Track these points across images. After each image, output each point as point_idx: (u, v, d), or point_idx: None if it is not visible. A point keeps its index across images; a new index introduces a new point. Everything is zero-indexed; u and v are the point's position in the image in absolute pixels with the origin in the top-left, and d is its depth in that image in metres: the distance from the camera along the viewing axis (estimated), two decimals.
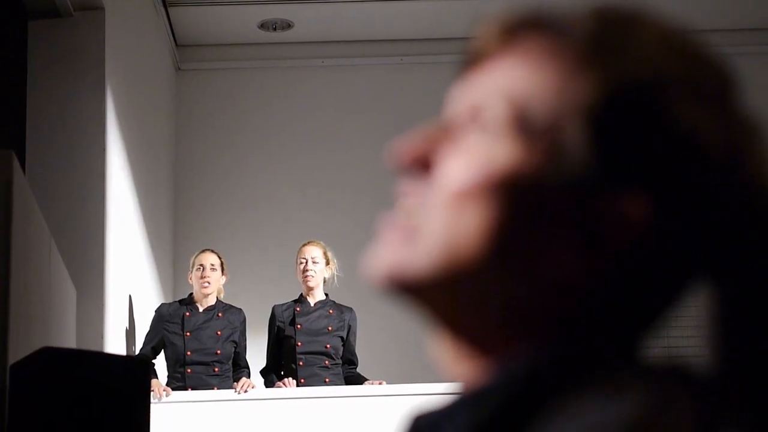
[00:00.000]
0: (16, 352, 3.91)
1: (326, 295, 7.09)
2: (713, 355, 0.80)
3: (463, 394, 0.80)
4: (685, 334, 0.87)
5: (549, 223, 0.80)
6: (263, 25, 9.03)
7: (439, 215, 0.82)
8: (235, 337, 6.98)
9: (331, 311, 7.01)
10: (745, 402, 0.76)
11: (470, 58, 0.87)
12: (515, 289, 0.80)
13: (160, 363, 7.05)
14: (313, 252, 7.02)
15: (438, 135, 0.85)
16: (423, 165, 0.84)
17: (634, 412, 0.72)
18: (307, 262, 7.01)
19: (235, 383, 6.76)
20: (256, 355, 7.19)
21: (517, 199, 0.80)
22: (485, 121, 0.83)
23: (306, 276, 6.99)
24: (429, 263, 0.82)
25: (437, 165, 0.84)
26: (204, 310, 7.01)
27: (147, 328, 7.07)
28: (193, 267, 7.09)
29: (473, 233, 0.81)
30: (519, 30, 0.85)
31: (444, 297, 0.82)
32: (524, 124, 0.81)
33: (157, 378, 6.74)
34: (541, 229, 0.80)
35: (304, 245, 7.08)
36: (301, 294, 7.08)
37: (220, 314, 7.01)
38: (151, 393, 5.18)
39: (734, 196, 0.81)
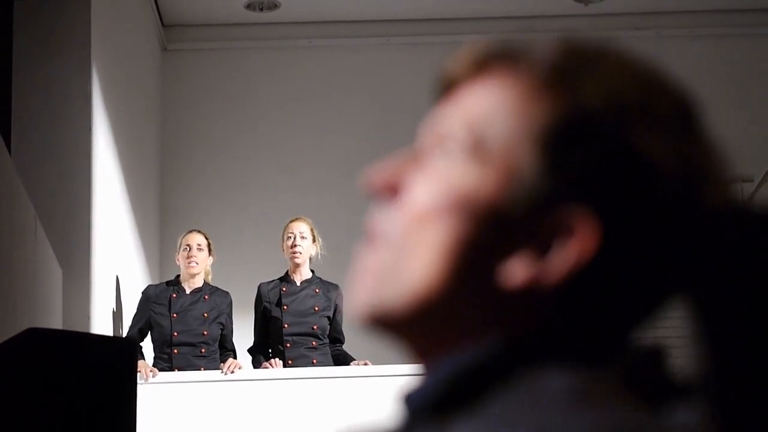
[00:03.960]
0: (2, 333, 3.90)
1: (312, 272, 7.08)
2: (694, 358, 0.83)
3: (426, 373, 0.86)
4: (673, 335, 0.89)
5: (505, 238, 0.85)
6: (250, 5, 9.00)
7: (404, 239, 0.87)
8: (222, 320, 6.98)
9: (317, 290, 7.00)
10: (708, 400, 0.81)
11: (442, 88, 0.91)
12: (474, 299, 0.85)
13: (147, 344, 7.05)
14: (301, 227, 7.00)
15: (407, 162, 0.89)
16: (393, 192, 0.89)
17: (584, 382, 0.78)
18: (294, 237, 6.98)
19: (222, 364, 6.77)
20: (244, 335, 7.19)
21: (474, 218, 0.85)
22: (447, 146, 0.88)
23: (294, 251, 6.97)
24: (401, 297, 0.86)
25: (403, 191, 0.88)
26: (191, 292, 7.00)
27: (134, 309, 7.06)
28: (179, 247, 7.08)
29: (433, 251, 0.85)
30: (488, 61, 0.89)
31: (416, 324, 0.87)
32: (482, 147, 0.86)
33: (143, 359, 6.74)
34: (497, 244, 0.85)
35: (292, 221, 7.06)
36: (287, 272, 7.07)
37: (206, 296, 7.01)
38: (138, 374, 5.19)
39: (691, 220, 0.85)
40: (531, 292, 0.84)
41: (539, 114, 0.85)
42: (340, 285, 7.03)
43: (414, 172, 0.88)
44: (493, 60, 0.89)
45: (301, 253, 6.97)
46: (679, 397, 0.80)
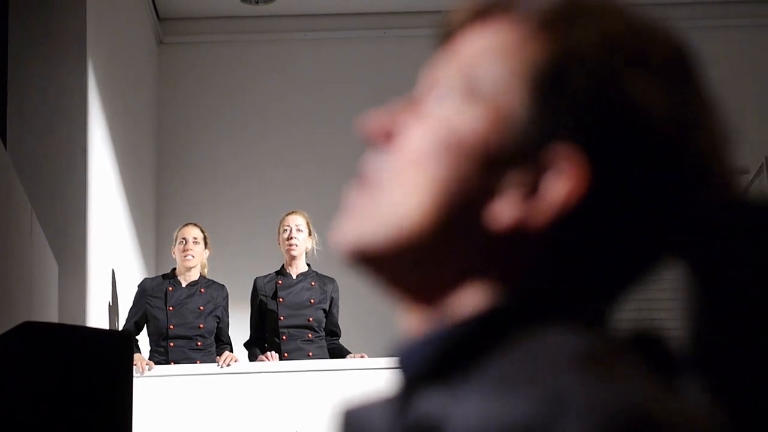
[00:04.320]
0: None
1: (308, 265, 7.08)
2: (686, 325, 0.83)
3: (423, 335, 0.85)
4: (663, 298, 0.89)
5: (493, 178, 0.85)
6: None
7: (395, 181, 0.87)
8: (218, 313, 6.99)
9: (313, 283, 7.00)
10: (704, 369, 0.80)
11: (441, 39, 0.92)
12: (462, 240, 0.85)
13: (143, 337, 7.05)
14: (297, 220, 7.00)
15: (403, 109, 0.90)
16: (388, 138, 0.89)
17: (589, 343, 0.78)
18: (291, 230, 6.97)
19: (218, 357, 6.77)
20: (240, 329, 7.19)
21: (464, 158, 0.85)
22: (440, 90, 0.88)
23: (290, 245, 6.97)
24: (386, 233, 0.86)
25: (398, 136, 0.89)
26: (187, 285, 7.01)
27: (130, 303, 7.06)
28: (176, 241, 7.09)
29: (422, 192, 0.85)
30: (486, 9, 0.89)
31: (402, 263, 0.86)
32: (473, 88, 0.87)
33: (139, 352, 6.74)
34: (486, 184, 0.85)
35: (288, 214, 7.06)
36: (283, 265, 7.07)
37: (202, 290, 7.01)
38: (134, 367, 5.19)
39: (683, 168, 0.84)
40: (519, 233, 0.84)
41: (531, 55, 0.85)
42: (335, 279, 7.04)
43: (409, 118, 0.89)
44: (491, 8, 0.89)
45: (297, 245, 6.96)
46: (679, 367, 0.80)
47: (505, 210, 0.84)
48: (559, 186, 0.83)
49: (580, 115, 0.83)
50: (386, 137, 0.89)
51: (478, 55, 0.87)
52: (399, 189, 0.86)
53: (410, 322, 0.88)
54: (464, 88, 0.87)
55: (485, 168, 0.85)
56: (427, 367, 0.83)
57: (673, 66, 0.86)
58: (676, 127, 0.84)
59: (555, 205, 0.83)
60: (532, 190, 0.84)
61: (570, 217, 0.83)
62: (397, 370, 0.86)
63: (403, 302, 0.88)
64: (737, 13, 9.21)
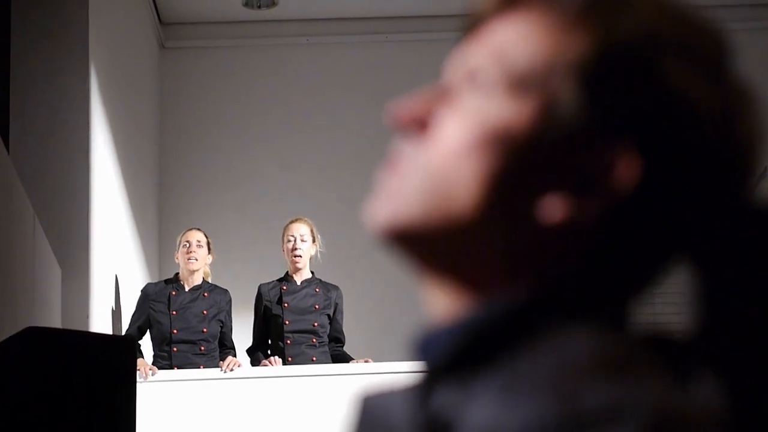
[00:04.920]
0: (1, 332, 3.89)
1: (312, 273, 7.08)
2: (695, 325, 0.83)
3: (447, 323, 0.84)
4: (672, 300, 0.88)
5: (542, 173, 0.83)
6: (248, 3, 8.99)
7: (433, 170, 0.85)
8: (221, 317, 6.98)
9: (317, 289, 7.00)
10: (715, 368, 0.79)
11: (469, 25, 0.90)
12: (508, 234, 0.84)
13: (146, 342, 7.05)
14: (301, 230, 6.99)
15: (436, 97, 0.88)
16: (420, 126, 0.87)
17: (607, 347, 0.77)
18: (295, 240, 6.98)
19: (221, 362, 6.76)
20: (243, 335, 7.18)
21: (510, 152, 0.83)
22: (480, 81, 0.86)
23: (295, 256, 6.97)
24: (422, 214, 0.85)
25: (434, 125, 0.87)
26: (190, 290, 7.00)
27: (133, 308, 7.06)
28: (179, 245, 7.09)
29: (468, 184, 0.84)
30: None
31: (438, 245, 0.85)
32: (516, 80, 0.85)
33: (142, 357, 6.74)
34: (534, 178, 0.83)
35: (292, 223, 7.05)
36: (287, 272, 7.07)
37: (205, 294, 7.01)
38: (137, 372, 5.18)
39: (724, 160, 0.83)
40: (568, 230, 0.82)
41: (575, 47, 0.83)
42: (339, 285, 7.04)
43: (444, 108, 0.87)
44: None
45: (301, 257, 6.98)
46: (693, 366, 0.79)
47: (555, 206, 0.82)
48: (611, 182, 0.82)
49: (627, 108, 0.82)
50: (419, 125, 0.87)
51: (517, 46, 0.85)
52: (441, 177, 0.84)
53: (438, 305, 0.87)
54: (505, 81, 0.85)
55: (531, 162, 0.83)
56: (448, 358, 0.82)
57: (713, 54, 0.85)
58: (720, 119, 0.83)
59: (607, 200, 0.82)
60: (582, 186, 0.82)
61: (617, 211, 0.82)
62: (419, 359, 0.85)
63: (434, 284, 0.87)
64: (739, 16, 9.20)
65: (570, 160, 0.83)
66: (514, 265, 0.84)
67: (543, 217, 0.83)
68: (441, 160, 0.85)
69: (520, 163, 0.83)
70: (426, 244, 0.85)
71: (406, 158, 0.87)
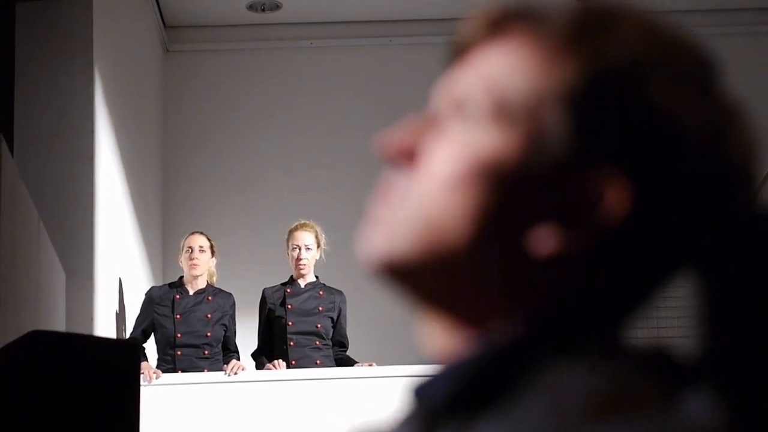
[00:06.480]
0: (5, 336, 3.90)
1: (316, 277, 7.09)
2: (698, 340, 0.81)
3: (443, 366, 0.83)
4: (673, 315, 0.87)
5: (532, 204, 0.82)
6: (252, 6, 9.00)
7: (424, 202, 0.84)
8: (225, 321, 6.98)
9: (321, 293, 7.01)
10: (717, 385, 0.77)
11: (455, 52, 0.89)
12: (500, 267, 0.83)
13: (150, 346, 7.05)
14: (306, 239, 6.98)
15: (423, 127, 0.87)
16: (408, 157, 0.86)
17: (602, 386, 0.75)
18: (300, 250, 6.98)
19: (225, 365, 6.76)
20: (247, 338, 7.19)
21: (500, 184, 0.82)
22: (467, 110, 0.85)
23: (299, 266, 6.97)
24: (415, 247, 0.84)
25: (422, 156, 0.86)
26: (194, 293, 7.00)
27: (137, 311, 7.06)
28: (182, 249, 7.09)
29: (459, 217, 0.83)
30: (503, 22, 0.87)
31: (431, 279, 0.84)
32: (504, 110, 0.84)
33: (146, 361, 6.74)
34: (525, 210, 0.82)
35: (296, 230, 7.04)
36: (291, 276, 7.07)
37: (210, 297, 7.01)
38: (141, 376, 5.18)
39: (717, 179, 0.83)
40: (559, 260, 0.81)
41: (562, 74, 0.82)
42: (342, 289, 7.04)
43: (431, 137, 0.86)
44: (508, 21, 0.86)
45: (306, 265, 6.98)
46: (692, 386, 0.77)
47: (546, 237, 0.81)
48: (602, 211, 0.81)
49: (617, 135, 0.81)
50: (407, 156, 0.86)
51: (504, 74, 0.84)
52: (432, 210, 0.83)
53: (434, 339, 0.86)
54: (492, 110, 0.84)
55: (521, 193, 0.82)
56: (447, 401, 0.80)
57: (700, 74, 0.85)
58: (710, 139, 0.82)
59: (598, 230, 0.81)
60: (572, 216, 0.81)
61: (609, 239, 0.81)
62: (414, 401, 0.83)
63: (430, 319, 0.86)
64: (739, 20, 9.20)
65: (560, 191, 0.81)
66: (507, 298, 0.83)
67: (534, 249, 0.82)
68: (430, 193, 0.84)
69: (509, 195, 0.82)
70: (419, 278, 0.85)
71: (398, 189, 0.86)
